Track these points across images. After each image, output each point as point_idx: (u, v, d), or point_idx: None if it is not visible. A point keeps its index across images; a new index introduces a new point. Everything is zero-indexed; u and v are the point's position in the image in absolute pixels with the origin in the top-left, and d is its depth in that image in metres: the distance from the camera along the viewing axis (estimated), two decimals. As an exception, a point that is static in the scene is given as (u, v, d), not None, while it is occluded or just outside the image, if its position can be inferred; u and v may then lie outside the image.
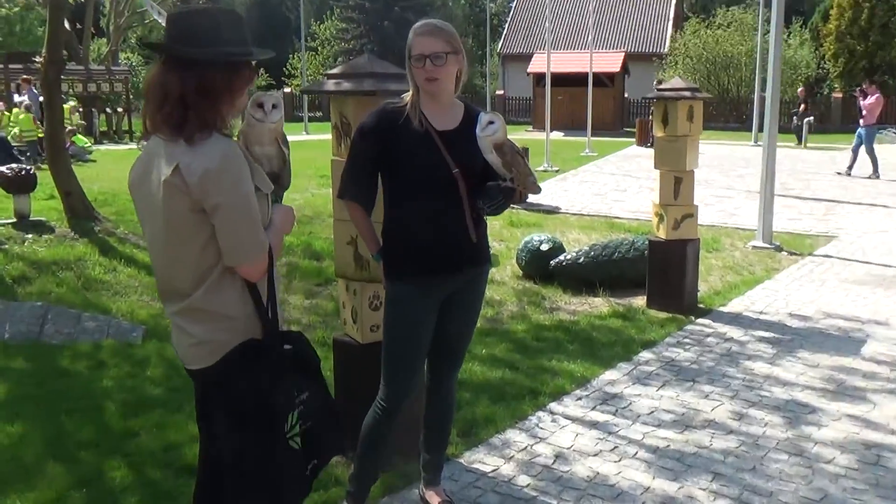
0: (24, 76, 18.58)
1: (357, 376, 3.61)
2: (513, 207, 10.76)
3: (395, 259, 2.92)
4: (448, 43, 2.78)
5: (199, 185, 1.97)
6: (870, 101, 14.97)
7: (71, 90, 22.45)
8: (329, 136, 3.78)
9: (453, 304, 3.00)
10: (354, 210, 2.97)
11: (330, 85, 3.68)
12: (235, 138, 2.20)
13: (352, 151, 2.94)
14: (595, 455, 3.79)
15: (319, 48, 43.79)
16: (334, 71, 3.80)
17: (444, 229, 2.85)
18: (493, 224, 9.53)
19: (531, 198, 11.62)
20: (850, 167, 15.01)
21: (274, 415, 2.08)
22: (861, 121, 15.04)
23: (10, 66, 22.59)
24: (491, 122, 2.79)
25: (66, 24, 19.64)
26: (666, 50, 33.16)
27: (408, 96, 2.89)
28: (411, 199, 2.85)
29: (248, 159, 2.08)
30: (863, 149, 14.84)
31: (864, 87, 15.61)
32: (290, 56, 42.87)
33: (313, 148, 16.60)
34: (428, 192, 2.83)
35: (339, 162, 3.57)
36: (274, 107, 2.36)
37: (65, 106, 15.78)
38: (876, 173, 14.57)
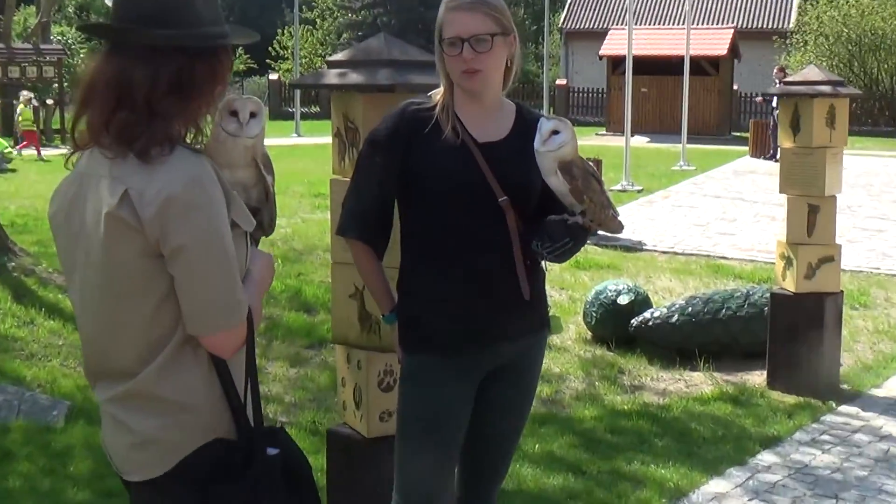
0: None
1: (359, 483, 3.58)
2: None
3: (415, 321, 2.86)
4: (495, 20, 2.72)
5: (157, 220, 1.94)
6: None
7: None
8: (328, 141, 3.75)
9: (496, 386, 2.94)
10: (360, 252, 2.91)
11: (332, 77, 3.68)
12: None
13: (358, 170, 2.89)
14: None
15: (318, 21, 44.52)
16: (338, 57, 3.80)
17: (485, 281, 2.79)
18: (552, 266, 9.45)
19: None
20: None
21: None
22: None
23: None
24: (556, 133, 2.73)
25: None
26: (791, 26, 33.13)
27: (437, 94, 2.85)
28: (439, 239, 2.80)
29: (223, 183, 2.05)
30: None
31: None
32: (279, 31, 43.55)
33: (306, 155, 16.84)
34: (463, 228, 2.77)
35: (342, 182, 3.54)
36: (252, 115, 2.31)
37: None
38: None
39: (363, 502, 3.48)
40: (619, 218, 2.93)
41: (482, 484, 3.08)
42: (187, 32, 2.02)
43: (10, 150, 18.68)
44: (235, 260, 2.03)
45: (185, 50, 2.01)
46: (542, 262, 2.92)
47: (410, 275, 2.88)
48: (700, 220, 13.00)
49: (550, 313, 3.12)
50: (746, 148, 23.28)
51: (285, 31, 42.12)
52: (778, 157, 12.26)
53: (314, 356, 6.62)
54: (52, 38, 32.08)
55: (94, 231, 2.00)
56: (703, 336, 6.72)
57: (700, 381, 6.41)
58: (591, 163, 2.90)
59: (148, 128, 1.97)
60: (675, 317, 6.80)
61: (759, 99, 27.55)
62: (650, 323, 6.85)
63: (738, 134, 28.17)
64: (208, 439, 2.06)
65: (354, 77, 3.55)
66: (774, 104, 22.34)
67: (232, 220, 2.04)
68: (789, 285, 6.17)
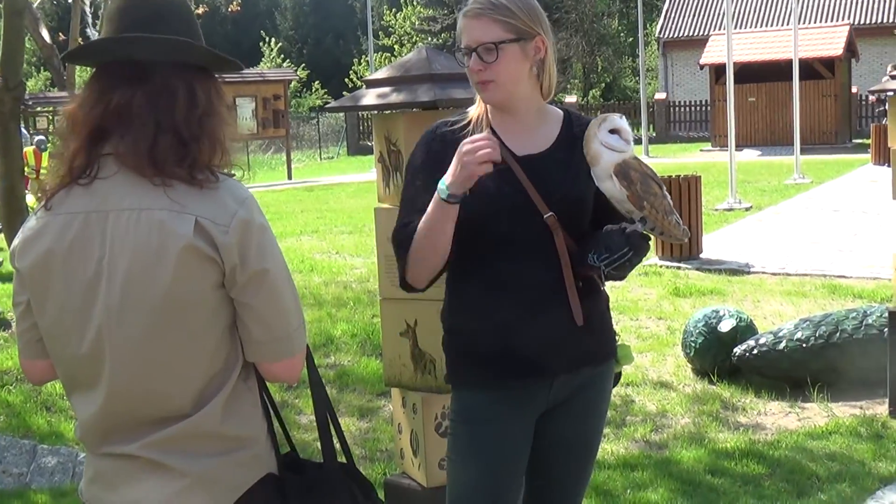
0: None
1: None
2: (676, 265, 10.54)
3: (461, 354, 2.84)
4: (505, 25, 2.67)
5: (237, 246, 1.98)
6: None
7: (51, 125, 23.63)
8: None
9: (556, 423, 2.88)
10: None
11: (370, 97, 3.68)
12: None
13: (403, 203, 2.84)
14: None
15: (396, 47, 45.10)
16: (377, 75, 3.79)
17: (534, 307, 2.74)
18: (647, 292, 9.34)
19: (707, 249, 11.39)
20: None
21: None
22: None
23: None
24: (612, 132, 2.66)
25: (46, 35, 20.80)
26: (915, 18, 32.39)
27: (474, 110, 2.82)
28: (482, 264, 2.76)
29: None
30: None
31: None
32: (355, 61, 44.30)
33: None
34: (507, 249, 2.73)
35: (387, 211, 3.53)
36: None
37: (26, 149, 17.24)
38: None
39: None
40: (684, 225, 2.85)
41: (547, 533, 3.01)
42: (202, 47, 2.07)
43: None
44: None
45: (203, 67, 2.07)
46: (602, 284, 2.86)
47: (454, 304, 2.85)
48: (815, 236, 12.69)
49: (619, 342, 3.04)
50: (868, 156, 22.71)
51: (362, 61, 42.79)
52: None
53: (387, 404, 6.61)
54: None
55: (146, 270, 1.97)
56: (815, 363, 6.52)
57: (814, 414, 6.24)
58: (655, 173, 2.82)
59: (190, 152, 2.00)
60: (784, 343, 6.61)
61: (872, 98, 26.90)
62: (755, 351, 6.67)
63: (860, 141, 27.54)
64: (262, 474, 2.10)
65: (394, 96, 3.54)
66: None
67: None
68: (909, 302, 5.96)
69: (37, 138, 21.06)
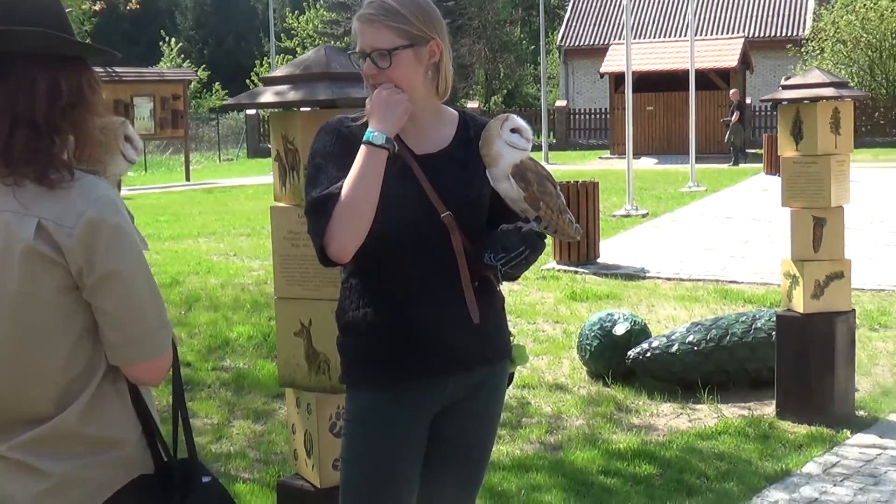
0: None
1: (314, 539, 3.48)
2: (574, 269, 10.66)
3: (355, 354, 2.81)
4: (399, 32, 2.66)
5: (81, 248, 1.91)
6: None
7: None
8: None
9: (450, 424, 2.87)
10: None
11: (268, 95, 3.64)
12: None
13: (310, 182, 2.75)
14: None
15: (298, 50, 44.79)
16: (275, 73, 3.76)
17: (430, 305, 2.73)
18: (545, 296, 9.42)
19: (604, 254, 11.54)
20: None
21: None
22: None
23: None
24: (513, 130, 2.70)
25: None
26: (806, 33, 33.29)
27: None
28: (376, 263, 2.74)
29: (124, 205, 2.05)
30: None
31: None
32: (257, 63, 43.87)
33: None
34: (404, 248, 2.73)
35: (283, 209, 3.51)
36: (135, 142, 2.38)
37: None
38: None
39: (318, 559, 3.41)
40: (577, 224, 2.88)
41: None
42: (73, 39, 2.00)
43: None
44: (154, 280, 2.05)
45: (76, 57, 2.00)
46: (498, 284, 2.87)
47: (349, 304, 2.82)
48: (709, 243, 12.97)
49: (514, 342, 3.05)
50: (761, 165, 23.26)
51: (264, 63, 42.41)
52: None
53: (282, 407, 6.55)
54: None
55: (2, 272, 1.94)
56: (706, 365, 6.65)
57: (704, 415, 6.34)
58: (549, 173, 2.85)
59: (47, 148, 1.93)
60: (676, 346, 6.73)
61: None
62: (648, 353, 6.78)
63: (753, 150, 28.16)
64: (134, 476, 2.04)
65: (292, 94, 3.52)
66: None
67: None
68: (797, 306, 6.11)
69: None
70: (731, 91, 27.39)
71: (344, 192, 2.59)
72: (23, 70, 1.96)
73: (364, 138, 2.61)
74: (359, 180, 2.59)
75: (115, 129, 2.31)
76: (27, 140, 1.93)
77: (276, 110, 3.71)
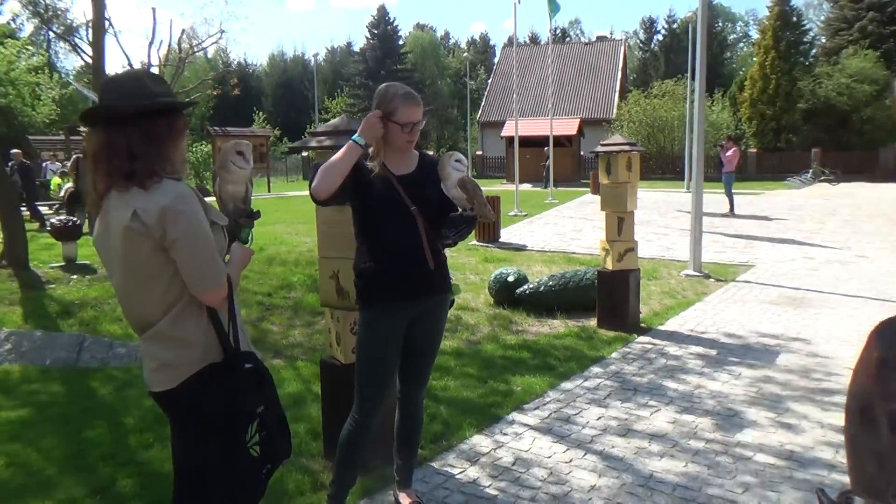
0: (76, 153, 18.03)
1: (340, 392, 3.42)
2: (486, 245, 10.64)
3: (365, 285, 2.76)
4: (423, 110, 2.72)
5: (158, 225, 1.83)
6: (729, 154, 15.31)
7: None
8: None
9: (417, 327, 2.84)
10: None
11: (313, 142, 3.56)
12: (190, 181, 2.05)
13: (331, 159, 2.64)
14: (549, 457, 3.59)
15: (330, 118, 44.06)
16: (317, 129, 3.67)
17: (406, 259, 2.71)
18: (470, 260, 9.38)
19: (503, 237, 11.51)
20: (731, 208, 15.30)
21: (238, 427, 1.96)
22: (722, 169, 15.31)
23: (73, 137, 22.55)
24: (457, 161, 2.71)
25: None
26: (613, 116, 33.39)
27: (374, 149, 2.74)
28: (376, 234, 2.72)
29: (199, 198, 1.93)
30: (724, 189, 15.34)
31: (724, 142, 15.92)
32: (308, 126, 43.05)
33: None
34: (390, 226, 2.70)
35: (323, 209, 3.42)
36: (247, 154, 2.24)
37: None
38: (732, 212, 15.06)
39: (342, 404, 3.37)
40: (492, 211, 2.86)
41: (413, 385, 2.98)
42: (142, 102, 1.87)
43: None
44: (214, 243, 1.91)
45: (146, 112, 1.87)
46: (450, 243, 2.80)
47: (360, 258, 2.78)
48: (560, 231, 13.00)
49: (452, 282, 3.02)
50: (588, 189, 23.34)
51: (312, 126, 41.61)
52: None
53: (321, 319, 6.48)
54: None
55: (118, 241, 1.88)
56: (559, 299, 6.67)
57: (558, 326, 6.33)
58: (476, 183, 2.82)
59: (134, 168, 1.85)
60: (543, 288, 6.74)
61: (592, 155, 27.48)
62: (527, 292, 6.78)
63: (584, 180, 28.20)
64: (202, 366, 1.93)
65: (327, 142, 3.44)
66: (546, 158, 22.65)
67: (210, 220, 1.93)
68: (609, 266, 6.14)
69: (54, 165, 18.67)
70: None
71: (326, 163, 2.56)
72: (132, 121, 1.87)
73: (352, 138, 2.57)
74: (338, 160, 2.55)
75: (227, 150, 2.20)
76: (139, 167, 1.86)
77: (318, 151, 3.62)
